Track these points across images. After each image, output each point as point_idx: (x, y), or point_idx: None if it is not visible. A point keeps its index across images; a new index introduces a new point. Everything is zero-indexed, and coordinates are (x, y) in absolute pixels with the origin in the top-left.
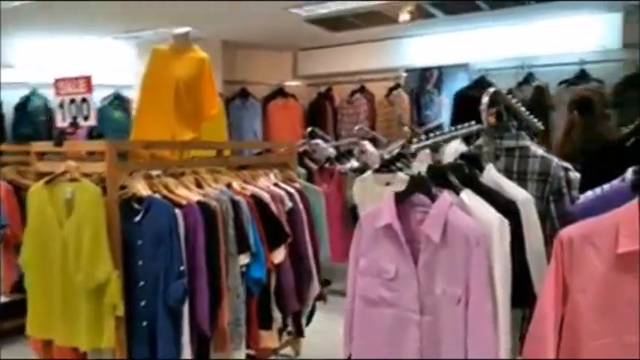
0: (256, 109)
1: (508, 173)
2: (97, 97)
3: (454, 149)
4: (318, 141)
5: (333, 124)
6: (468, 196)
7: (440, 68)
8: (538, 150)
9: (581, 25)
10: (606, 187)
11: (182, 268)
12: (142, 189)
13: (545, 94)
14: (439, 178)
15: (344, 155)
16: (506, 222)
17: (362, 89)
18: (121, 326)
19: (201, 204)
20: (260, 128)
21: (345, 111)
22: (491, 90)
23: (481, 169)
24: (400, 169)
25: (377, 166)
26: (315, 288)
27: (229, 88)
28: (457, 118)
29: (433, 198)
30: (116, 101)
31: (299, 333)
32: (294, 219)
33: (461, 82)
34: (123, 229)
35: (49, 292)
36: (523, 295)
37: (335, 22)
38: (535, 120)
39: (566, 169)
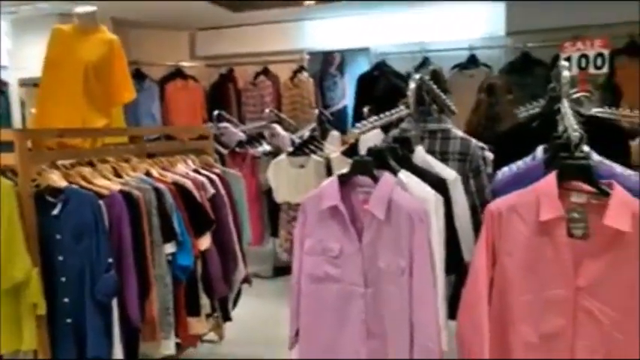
0: (153, 91)
1: (431, 154)
2: None
3: (372, 133)
4: (227, 124)
5: (237, 106)
6: (405, 176)
7: (342, 52)
8: (458, 132)
9: (470, 13)
10: (520, 163)
11: (110, 260)
12: (57, 180)
13: (441, 78)
14: (377, 160)
15: (255, 139)
16: (441, 199)
17: (265, 71)
18: (43, 326)
19: (123, 193)
20: (159, 111)
21: (250, 93)
22: (417, 77)
23: (411, 151)
24: (314, 152)
25: (290, 149)
26: (241, 272)
27: None
28: (360, 101)
29: (375, 179)
30: None
31: (226, 317)
32: (217, 205)
33: (362, 65)
34: (39, 223)
35: None
36: (454, 262)
37: (238, 3)
38: (450, 104)
39: (482, 149)
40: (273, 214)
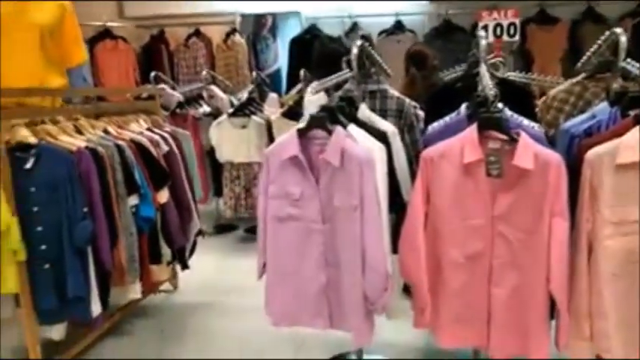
0: None
1: (371, 111)
2: None
3: (317, 95)
4: (164, 86)
5: (170, 68)
6: (353, 129)
7: (274, 15)
8: (394, 92)
9: None
10: (447, 119)
11: (85, 209)
12: (28, 136)
13: (370, 43)
14: (329, 116)
15: (194, 100)
16: (384, 148)
17: (197, 33)
18: (23, 271)
19: (89, 149)
20: (89, 73)
21: (182, 55)
22: (359, 42)
23: (356, 109)
24: (254, 113)
25: (231, 110)
26: (196, 224)
27: None
28: (294, 64)
29: (329, 132)
30: None
31: (184, 266)
32: (171, 161)
33: (294, 28)
34: (12, 177)
35: None
36: (396, 202)
37: None
38: (386, 67)
39: (415, 107)
40: (215, 174)
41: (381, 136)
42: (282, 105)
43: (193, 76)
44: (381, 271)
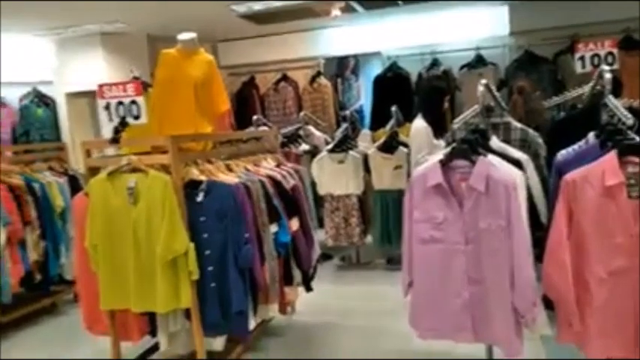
0: None
1: None
2: (14, 95)
3: (422, 125)
4: (265, 128)
5: (261, 110)
6: (492, 158)
7: (356, 56)
8: (517, 124)
9: (476, 16)
10: (575, 147)
11: (247, 235)
12: (198, 174)
13: (451, 77)
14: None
15: (295, 138)
16: (522, 174)
17: (285, 77)
18: (194, 289)
19: (242, 184)
20: None
21: (272, 98)
22: (484, 82)
23: (488, 140)
24: (350, 149)
25: (329, 147)
26: (317, 250)
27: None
28: (378, 100)
29: (472, 161)
30: (36, 99)
31: (308, 288)
32: (297, 193)
33: (375, 67)
34: (187, 208)
35: (120, 269)
36: (534, 222)
37: (265, 17)
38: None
39: (538, 136)
40: (316, 206)
41: (516, 164)
42: (373, 139)
43: (282, 117)
44: (530, 287)
